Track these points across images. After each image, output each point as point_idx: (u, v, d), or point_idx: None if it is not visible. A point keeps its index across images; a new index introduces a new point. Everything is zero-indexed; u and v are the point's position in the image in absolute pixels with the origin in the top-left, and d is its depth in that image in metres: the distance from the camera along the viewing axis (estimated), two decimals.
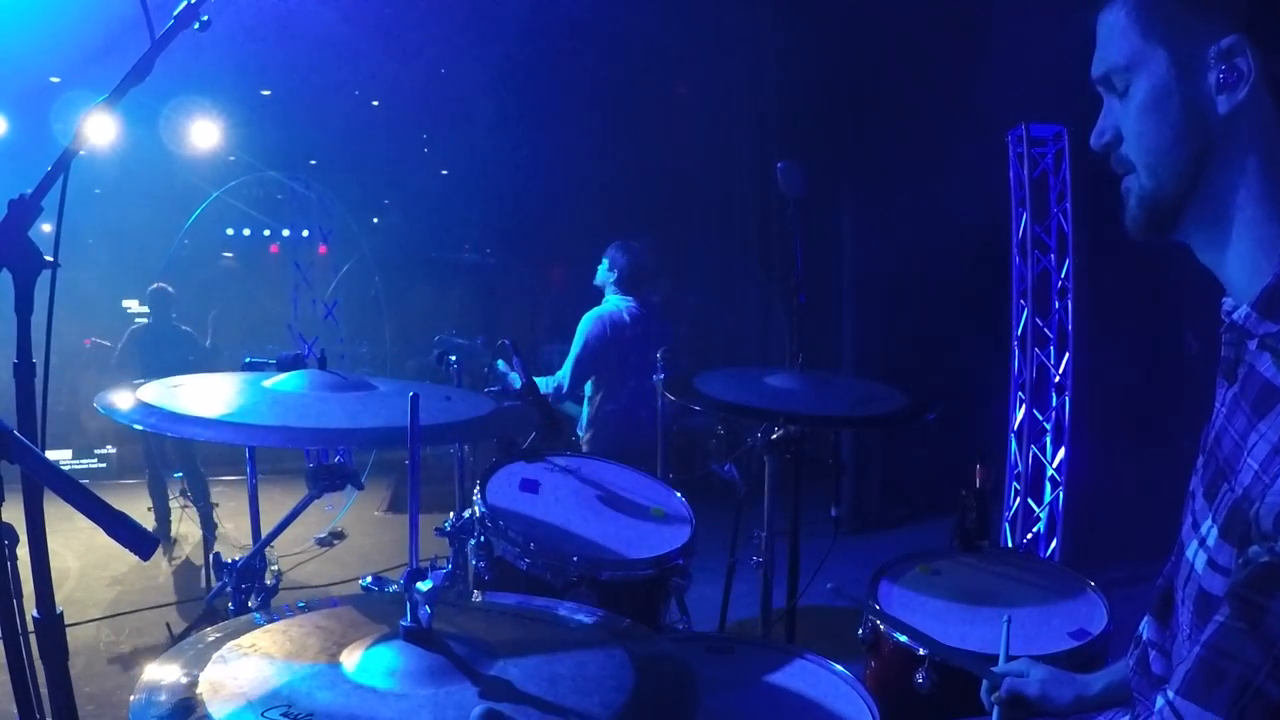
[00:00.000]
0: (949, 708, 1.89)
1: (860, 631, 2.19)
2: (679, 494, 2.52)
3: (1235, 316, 0.96)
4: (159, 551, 5.47)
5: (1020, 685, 1.50)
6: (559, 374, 4.09)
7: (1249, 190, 0.94)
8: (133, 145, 7.26)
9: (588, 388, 4.16)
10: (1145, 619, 1.16)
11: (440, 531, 2.27)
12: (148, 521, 5.88)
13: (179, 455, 5.94)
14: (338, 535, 6.35)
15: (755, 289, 8.24)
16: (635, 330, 4.09)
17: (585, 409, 4.20)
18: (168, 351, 6.01)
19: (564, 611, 1.54)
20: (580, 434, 4.19)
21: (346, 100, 8.54)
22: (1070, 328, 5.47)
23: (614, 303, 4.15)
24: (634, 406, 4.04)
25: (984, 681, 1.58)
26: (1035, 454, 5.58)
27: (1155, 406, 5.68)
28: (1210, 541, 0.93)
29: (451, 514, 2.30)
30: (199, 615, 4.12)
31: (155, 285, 6.39)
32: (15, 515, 1.52)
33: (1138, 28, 0.96)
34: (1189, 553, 0.97)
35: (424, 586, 1.21)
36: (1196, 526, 0.97)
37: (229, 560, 1.94)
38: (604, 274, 4.19)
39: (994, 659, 1.67)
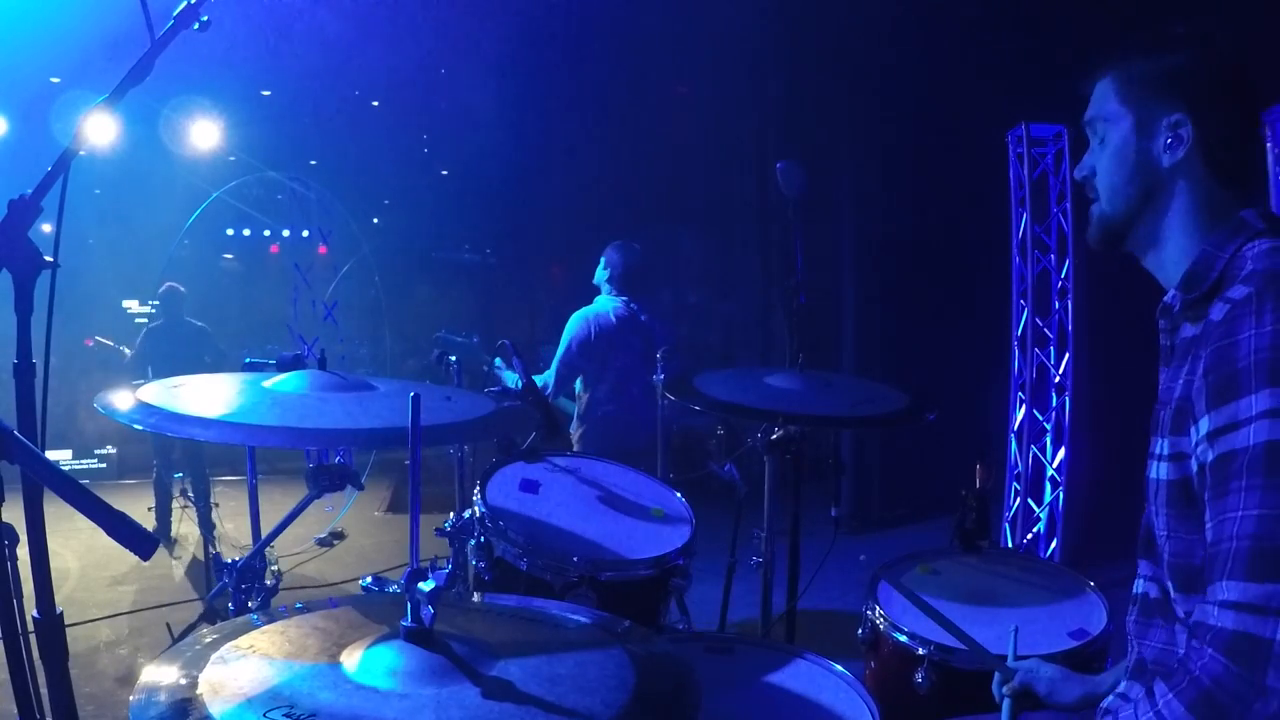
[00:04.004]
0: (949, 708, 1.89)
1: (860, 632, 2.19)
2: (679, 494, 2.52)
3: (1165, 299, 1.32)
4: (159, 551, 5.46)
5: (1031, 680, 1.58)
6: (546, 373, 4.09)
7: (1178, 221, 1.29)
8: (133, 145, 7.25)
9: (577, 386, 4.16)
10: (1137, 571, 1.37)
11: (440, 532, 2.27)
12: (148, 521, 5.88)
13: (186, 456, 5.95)
14: (338, 535, 6.36)
15: (755, 289, 8.24)
16: (623, 331, 4.08)
17: (575, 407, 4.20)
18: (182, 350, 6.03)
19: (564, 612, 1.54)
20: (571, 431, 4.19)
21: (346, 100, 8.54)
22: (1070, 328, 5.47)
23: (603, 303, 4.14)
24: (624, 406, 4.03)
25: (995, 674, 1.62)
26: (1035, 454, 5.58)
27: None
28: (1166, 450, 1.23)
29: (451, 514, 2.30)
30: (199, 615, 4.11)
31: (167, 285, 6.41)
32: (15, 515, 1.52)
33: (1118, 94, 1.31)
34: (1152, 473, 1.28)
35: (425, 587, 1.21)
36: (1151, 454, 1.29)
37: (229, 560, 1.94)
38: (601, 274, 4.19)
39: (1000, 660, 1.68)
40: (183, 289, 6.40)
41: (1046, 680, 1.57)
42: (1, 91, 6.57)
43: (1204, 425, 1.14)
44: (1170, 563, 1.25)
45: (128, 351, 6.81)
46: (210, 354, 6.14)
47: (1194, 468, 1.18)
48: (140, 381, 1.96)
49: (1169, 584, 1.26)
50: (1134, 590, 1.37)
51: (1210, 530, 1.13)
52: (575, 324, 4.08)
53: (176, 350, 6.04)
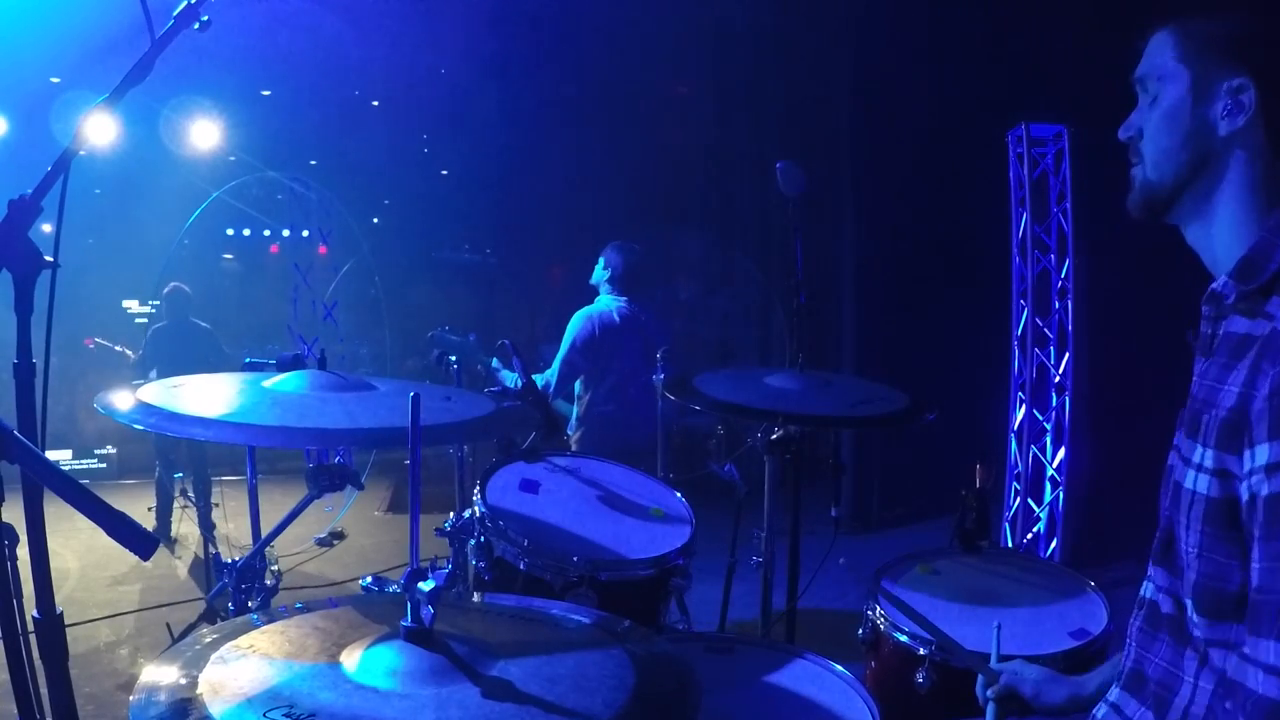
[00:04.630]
0: (949, 708, 1.89)
1: (860, 631, 2.18)
2: (679, 494, 2.52)
3: (1214, 286, 1.18)
4: (159, 551, 5.46)
5: (1016, 682, 1.55)
6: (547, 373, 4.09)
7: (1231, 197, 1.18)
8: (133, 145, 7.26)
9: (577, 386, 4.16)
10: (1148, 574, 1.26)
11: (440, 532, 2.27)
12: (148, 521, 5.88)
13: (190, 456, 5.95)
14: (338, 535, 6.36)
15: (755, 289, 8.24)
16: (625, 330, 4.08)
17: (575, 408, 4.20)
18: (187, 350, 6.03)
19: (564, 612, 1.54)
20: (570, 432, 4.19)
21: (346, 100, 8.54)
22: (1070, 328, 5.48)
23: (605, 302, 4.15)
24: (624, 406, 4.03)
25: (979, 677, 1.59)
26: (1035, 454, 5.58)
27: (1155, 407, 5.66)
28: (1208, 463, 1.10)
29: (451, 514, 2.30)
30: (199, 615, 4.11)
31: (172, 285, 6.41)
32: (15, 515, 1.52)
33: (1176, 50, 1.20)
34: (1187, 483, 1.14)
35: (425, 587, 1.21)
36: (1187, 461, 1.15)
37: (229, 560, 1.94)
38: (600, 274, 4.20)
39: (983, 661, 1.67)
40: (188, 289, 6.40)
41: (1032, 683, 1.53)
42: (1, 91, 6.57)
43: (1263, 454, 1.01)
44: (1198, 583, 1.12)
45: (129, 353, 6.81)
46: (215, 355, 6.14)
47: (1243, 494, 1.05)
48: (142, 382, 1.96)
49: (1188, 602, 1.15)
50: (1142, 594, 1.28)
51: (1258, 573, 1.02)
52: (578, 323, 4.08)
53: (182, 351, 6.03)
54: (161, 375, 5.17)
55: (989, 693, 1.56)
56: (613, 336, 4.06)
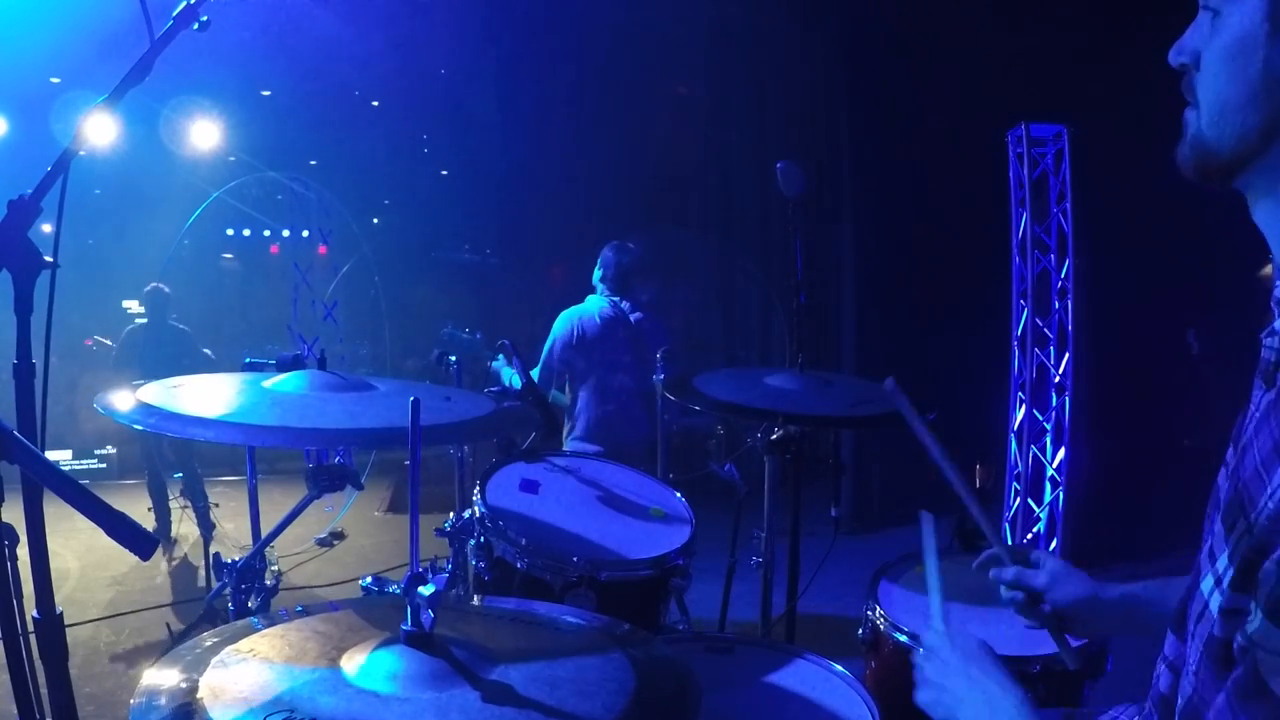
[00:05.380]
0: None
1: (860, 632, 2.18)
2: (679, 494, 2.52)
3: (1278, 325, 0.90)
4: (159, 551, 5.47)
5: (1028, 575, 1.40)
6: (530, 371, 4.10)
7: None
8: (133, 145, 7.26)
9: (567, 384, 4.18)
10: (1165, 638, 1.06)
11: (440, 532, 2.27)
12: (148, 521, 5.88)
13: (177, 455, 5.94)
14: (338, 535, 6.35)
15: (755, 289, 8.24)
16: (608, 331, 4.08)
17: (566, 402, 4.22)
18: (163, 351, 6.01)
19: (562, 615, 1.54)
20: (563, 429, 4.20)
21: (346, 100, 8.55)
22: (1070, 328, 5.48)
23: (591, 303, 4.16)
24: (613, 406, 4.04)
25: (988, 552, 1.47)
26: (1035, 454, 5.58)
27: (1155, 406, 5.67)
28: (1225, 585, 0.87)
29: (451, 514, 2.30)
30: (199, 615, 4.12)
31: (152, 285, 6.38)
32: (15, 515, 1.52)
33: None
34: (1204, 586, 0.90)
35: (425, 591, 1.20)
36: (1213, 558, 0.90)
37: (229, 560, 1.94)
38: (596, 273, 4.22)
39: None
40: (167, 289, 6.35)
41: (1047, 573, 1.37)
42: (1, 91, 6.57)
43: (1253, 623, 0.80)
44: (1191, 698, 0.91)
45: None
46: (190, 357, 6.04)
47: (1236, 642, 0.83)
48: (142, 382, 1.96)
49: (1180, 703, 0.95)
50: (1161, 650, 1.08)
51: None
52: (560, 324, 4.11)
53: (154, 351, 6.00)
54: (137, 375, 5.16)
55: (1005, 574, 1.41)
56: (594, 337, 4.06)
